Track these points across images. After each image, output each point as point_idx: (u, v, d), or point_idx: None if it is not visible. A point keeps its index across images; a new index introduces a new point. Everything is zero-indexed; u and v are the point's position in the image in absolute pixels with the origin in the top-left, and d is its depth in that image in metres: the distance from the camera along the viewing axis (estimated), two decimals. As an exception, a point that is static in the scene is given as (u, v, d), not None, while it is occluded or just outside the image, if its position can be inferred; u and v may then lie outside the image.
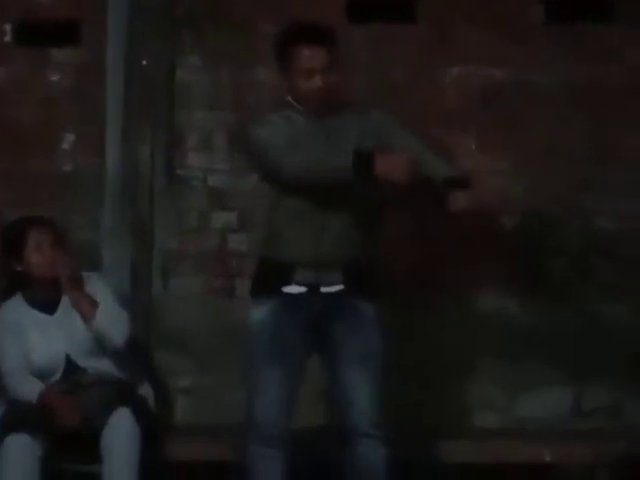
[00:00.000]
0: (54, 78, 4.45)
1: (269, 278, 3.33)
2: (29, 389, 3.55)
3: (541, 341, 4.25)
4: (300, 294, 3.29)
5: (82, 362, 3.62)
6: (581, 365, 4.23)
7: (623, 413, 4.23)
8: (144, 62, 4.33)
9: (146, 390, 3.74)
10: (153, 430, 3.59)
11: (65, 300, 3.67)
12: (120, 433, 3.47)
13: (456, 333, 4.25)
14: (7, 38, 4.46)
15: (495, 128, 4.34)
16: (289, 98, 3.33)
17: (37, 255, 3.64)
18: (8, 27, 4.45)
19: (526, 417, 4.25)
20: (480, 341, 4.27)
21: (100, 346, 3.62)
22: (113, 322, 3.62)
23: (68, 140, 4.43)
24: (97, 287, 3.69)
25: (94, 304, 3.62)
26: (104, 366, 3.64)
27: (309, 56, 3.23)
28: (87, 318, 3.61)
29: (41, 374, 3.60)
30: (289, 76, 3.28)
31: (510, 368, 4.24)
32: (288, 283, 3.30)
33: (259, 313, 3.33)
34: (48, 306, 3.68)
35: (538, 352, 4.23)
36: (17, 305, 3.69)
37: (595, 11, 4.28)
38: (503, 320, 4.27)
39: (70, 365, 3.62)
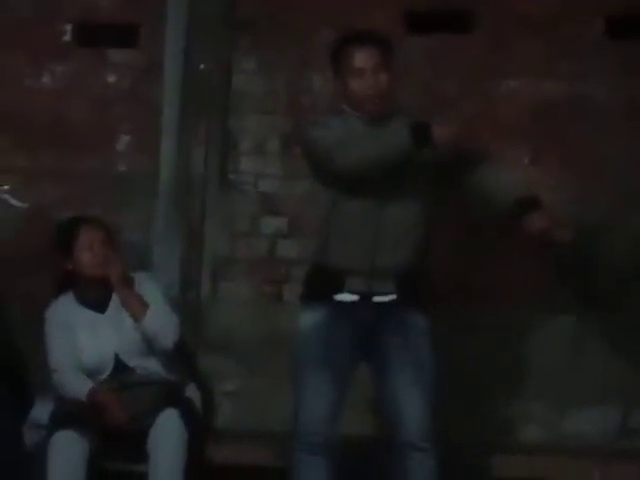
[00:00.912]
0: (111, 79, 4.50)
1: (321, 285, 3.32)
2: (78, 387, 3.57)
3: (589, 357, 4.20)
4: (352, 302, 3.28)
5: (131, 362, 3.63)
6: (629, 383, 4.17)
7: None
8: (201, 66, 4.36)
9: (193, 392, 3.75)
10: (199, 432, 3.60)
11: (115, 299, 3.69)
12: (167, 433, 3.47)
13: (504, 347, 4.21)
14: (67, 37, 4.52)
15: (548, 142, 4.32)
16: (344, 105, 3.33)
17: (88, 254, 3.66)
18: (68, 27, 4.51)
19: (572, 434, 4.20)
20: (528, 356, 4.23)
21: (149, 346, 3.64)
22: (163, 323, 3.64)
23: (123, 141, 4.48)
24: (147, 287, 3.70)
25: (144, 304, 3.64)
26: (152, 366, 3.64)
27: (360, 56, 3.25)
28: (137, 318, 3.62)
29: (90, 372, 3.62)
30: (343, 80, 3.29)
31: (557, 384, 4.19)
32: (340, 291, 3.28)
33: (309, 319, 3.32)
34: (98, 305, 3.69)
35: (586, 369, 4.18)
36: (68, 303, 3.71)
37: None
38: (551, 335, 4.23)
39: (119, 364, 3.63)
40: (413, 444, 3.24)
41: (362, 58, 3.24)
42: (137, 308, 3.63)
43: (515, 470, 3.78)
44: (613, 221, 4.27)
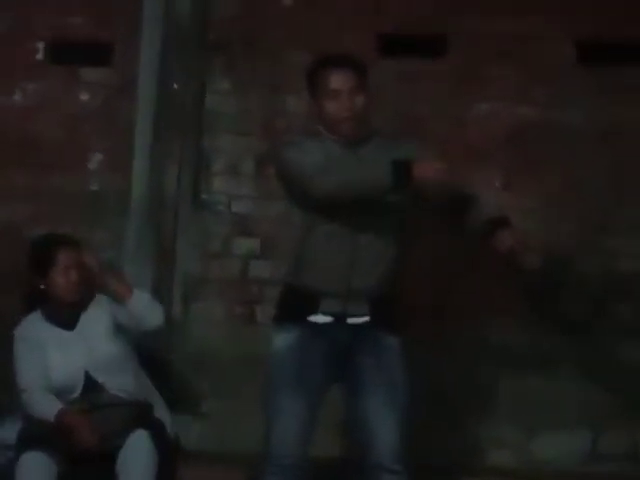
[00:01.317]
0: (84, 98, 4.49)
1: (295, 306, 3.30)
2: (47, 408, 3.50)
3: (559, 382, 4.22)
4: (326, 324, 3.27)
5: (100, 377, 3.58)
6: (599, 407, 4.20)
7: (640, 457, 4.22)
8: (175, 86, 4.36)
9: (163, 413, 3.72)
10: (169, 454, 3.56)
11: (84, 316, 3.65)
12: (137, 455, 3.42)
13: (472, 371, 4.24)
14: (39, 56, 4.51)
15: (520, 167, 4.35)
16: (320, 127, 3.34)
17: (64, 278, 3.61)
18: (41, 45, 4.50)
19: (542, 458, 4.22)
20: (497, 380, 4.25)
21: (119, 362, 3.61)
22: (148, 305, 3.59)
23: (95, 160, 4.47)
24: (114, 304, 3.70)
25: (130, 286, 3.61)
26: (122, 383, 3.60)
27: (336, 78, 3.25)
28: (124, 299, 3.56)
29: (60, 391, 3.55)
30: (319, 102, 3.29)
31: (527, 408, 4.21)
32: (314, 312, 3.27)
33: (282, 340, 3.30)
34: (67, 322, 3.64)
35: (556, 393, 4.20)
36: (37, 321, 3.66)
37: (626, 52, 4.29)
38: (520, 359, 4.25)
39: (89, 381, 3.57)
40: (385, 466, 3.22)
41: (338, 80, 3.25)
42: (123, 289, 3.58)
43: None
44: (584, 246, 4.31)
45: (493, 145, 4.36)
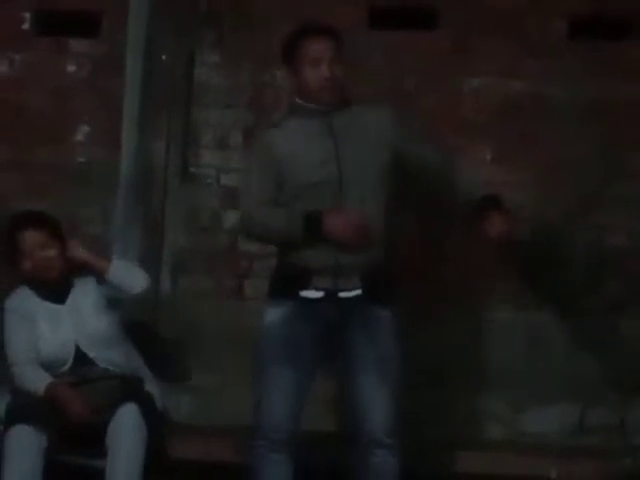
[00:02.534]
0: (71, 69, 4.44)
1: (287, 281, 3.32)
2: (36, 381, 3.51)
3: (547, 355, 4.23)
4: (317, 299, 3.27)
5: (91, 352, 3.59)
6: (587, 381, 4.21)
7: (627, 430, 4.22)
8: (163, 57, 4.31)
9: (152, 386, 3.71)
10: (158, 427, 3.57)
11: (75, 289, 3.65)
12: (126, 428, 3.44)
13: (461, 345, 4.23)
14: (26, 26, 4.44)
15: (511, 140, 4.33)
16: (298, 99, 3.35)
17: (28, 261, 3.60)
18: (28, 15, 4.43)
19: (530, 432, 4.23)
20: (486, 354, 4.25)
21: (110, 335, 3.60)
22: (127, 271, 3.60)
23: (82, 132, 4.42)
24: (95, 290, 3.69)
25: (106, 259, 3.61)
26: (113, 357, 3.60)
27: (316, 47, 3.29)
28: (103, 271, 3.57)
29: (51, 364, 3.56)
30: (298, 71, 3.31)
31: (517, 382, 4.21)
32: (306, 287, 3.28)
33: (273, 315, 3.31)
34: (57, 296, 3.64)
35: (545, 367, 4.21)
36: (27, 295, 3.65)
37: (617, 28, 4.27)
38: (509, 333, 4.25)
39: (79, 355, 3.58)
40: (377, 440, 3.25)
41: (318, 49, 3.28)
42: (101, 264, 3.58)
43: (474, 467, 3.80)
44: (574, 220, 4.30)
45: (484, 119, 4.33)
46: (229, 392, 4.14)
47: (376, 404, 3.24)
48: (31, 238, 3.60)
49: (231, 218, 4.29)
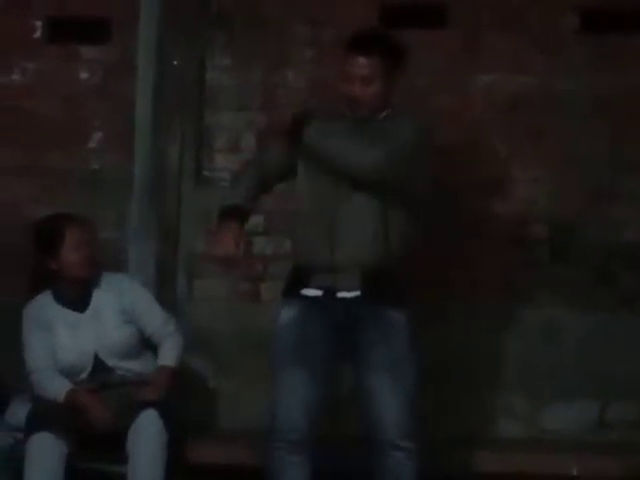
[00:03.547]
0: (84, 76, 4.44)
1: (293, 281, 3.36)
2: (56, 388, 3.53)
3: (565, 351, 4.21)
4: (318, 298, 3.29)
5: (110, 361, 3.60)
6: (606, 377, 4.19)
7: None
8: (175, 62, 4.32)
9: (170, 392, 3.72)
10: (178, 433, 3.58)
11: (96, 299, 3.65)
12: (146, 434, 3.45)
13: (481, 342, 4.22)
14: (37, 34, 4.46)
15: (523, 137, 4.32)
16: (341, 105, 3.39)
17: (75, 254, 3.61)
18: (39, 23, 4.44)
19: (550, 429, 4.21)
20: (504, 351, 4.24)
21: (129, 349, 3.61)
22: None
23: (96, 138, 4.43)
24: (138, 292, 3.70)
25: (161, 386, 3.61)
26: (131, 367, 3.62)
27: (353, 62, 3.31)
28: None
29: (69, 372, 3.58)
30: (338, 78, 3.35)
31: (535, 378, 4.20)
32: (306, 286, 3.31)
33: (283, 316, 3.34)
34: (78, 304, 3.65)
35: (563, 363, 4.20)
36: (46, 301, 3.67)
37: (629, 22, 4.25)
38: (528, 329, 4.24)
39: (98, 364, 3.60)
40: (392, 443, 3.24)
41: (354, 65, 3.31)
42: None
43: (493, 465, 3.78)
44: (588, 215, 4.28)
45: (495, 115, 4.33)
46: (246, 395, 4.14)
47: (389, 406, 3.23)
48: (81, 232, 3.64)
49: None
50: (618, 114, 4.28)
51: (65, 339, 3.61)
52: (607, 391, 4.20)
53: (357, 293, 3.27)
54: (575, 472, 3.75)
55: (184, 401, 3.81)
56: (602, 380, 4.18)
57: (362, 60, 3.30)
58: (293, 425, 3.24)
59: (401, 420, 3.24)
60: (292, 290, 3.34)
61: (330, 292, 3.28)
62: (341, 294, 3.27)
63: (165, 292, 4.24)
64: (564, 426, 4.20)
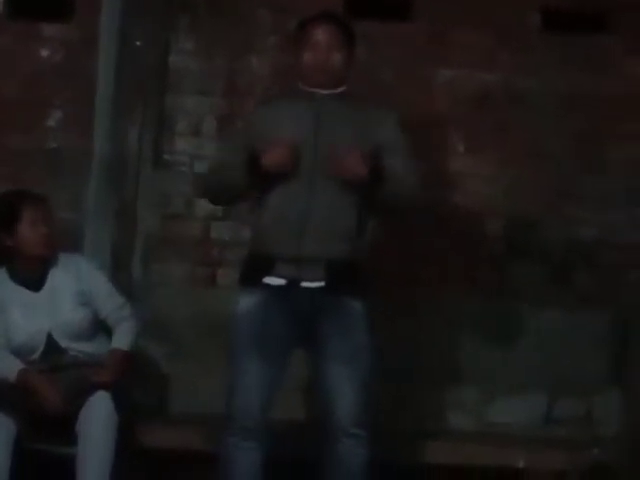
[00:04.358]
0: (44, 54, 4.39)
1: (252, 269, 3.34)
2: (8, 367, 3.49)
3: (516, 346, 4.26)
4: (281, 287, 3.28)
5: (63, 342, 3.57)
6: (555, 372, 4.25)
7: (594, 421, 4.27)
8: (137, 43, 4.28)
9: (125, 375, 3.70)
10: (130, 415, 3.56)
11: (51, 279, 3.62)
12: (97, 416, 3.42)
13: (432, 336, 4.25)
14: (-2, 11, 4.42)
15: (484, 132, 4.36)
16: (299, 83, 3.38)
17: (32, 231, 3.57)
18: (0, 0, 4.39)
19: (498, 422, 4.26)
20: (456, 345, 4.27)
21: (83, 331, 3.59)
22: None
23: (55, 117, 4.38)
24: (93, 274, 3.66)
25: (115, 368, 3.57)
26: (85, 348, 3.59)
27: (317, 31, 3.35)
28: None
29: (20, 351, 3.54)
30: (300, 55, 3.36)
31: (485, 373, 4.24)
32: (269, 274, 3.30)
33: (243, 303, 3.32)
34: (33, 283, 3.61)
35: (513, 357, 4.24)
36: (1, 280, 3.62)
37: (592, 21, 4.31)
38: (480, 324, 4.28)
39: (51, 344, 3.56)
40: (344, 430, 3.26)
41: (318, 33, 3.35)
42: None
43: (443, 457, 3.82)
44: (547, 212, 4.33)
45: (457, 111, 4.36)
46: (201, 380, 4.13)
47: (344, 393, 3.25)
48: (38, 209, 3.59)
49: (204, 206, 4.25)
50: (581, 113, 4.33)
51: (19, 318, 3.57)
52: (556, 387, 4.25)
53: (321, 284, 3.28)
54: (522, 464, 3.80)
55: (138, 385, 3.80)
56: (552, 376, 4.24)
57: (325, 27, 3.35)
58: (248, 412, 3.26)
59: (354, 408, 3.25)
60: (252, 278, 3.32)
61: (294, 282, 3.28)
62: (305, 284, 3.28)
63: (121, 275, 4.22)
64: (513, 420, 4.25)
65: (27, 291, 3.61)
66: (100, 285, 3.66)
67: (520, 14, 4.33)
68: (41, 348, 3.56)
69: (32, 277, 3.61)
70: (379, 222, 3.46)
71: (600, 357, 4.24)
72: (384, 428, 3.60)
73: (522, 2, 4.34)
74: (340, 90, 3.37)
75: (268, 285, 3.28)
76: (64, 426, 3.46)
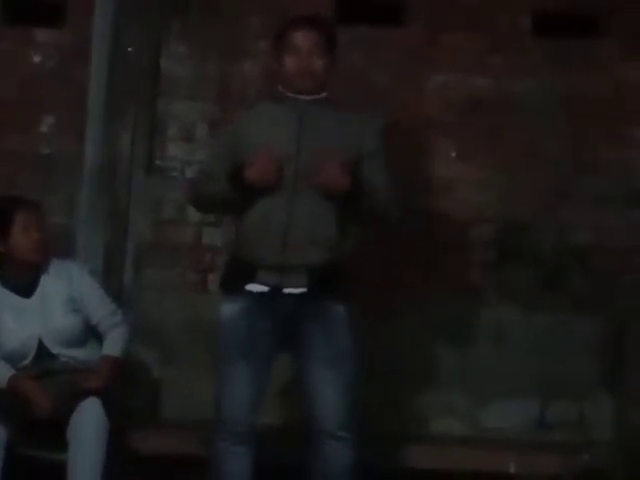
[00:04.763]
0: (37, 59, 4.41)
1: (234, 275, 3.34)
2: (-1, 373, 3.52)
3: (508, 350, 4.27)
4: (264, 293, 3.28)
5: (54, 349, 3.57)
6: (547, 377, 4.25)
7: (586, 426, 4.27)
8: (130, 49, 4.29)
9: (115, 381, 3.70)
10: (121, 420, 3.57)
11: (43, 285, 3.62)
12: (88, 422, 3.42)
13: (424, 340, 4.26)
14: (-8, 16, 4.43)
15: (476, 137, 4.36)
16: (279, 86, 3.36)
17: (25, 237, 3.57)
18: (-6, 5, 4.42)
19: (490, 426, 4.27)
20: (448, 348, 4.28)
21: (75, 338, 3.59)
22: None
23: (47, 122, 4.39)
24: (86, 283, 3.65)
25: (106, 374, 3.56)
26: (76, 355, 3.59)
27: (298, 36, 3.32)
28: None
29: (12, 357, 3.54)
30: (281, 60, 3.33)
31: (477, 377, 4.25)
32: (251, 281, 3.29)
33: (227, 309, 3.33)
34: (24, 289, 3.61)
35: (505, 362, 4.25)
36: (-8, 286, 3.63)
37: (583, 24, 4.32)
38: (472, 328, 4.29)
39: (42, 350, 3.56)
40: (329, 433, 3.26)
41: (300, 38, 3.31)
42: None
43: (433, 462, 3.82)
44: (540, 217, 4.33)
45: (450, 115, 4.36)
46: (192, 385, 4.14)
47: (328, 396, 3.25)
48: (31, 215, 3.59)
49: (196, 211, 4.29)
50: (573, 117, 4.33)
51: (10, 324, 3.57)
52: (549, 391, 4.26)
53: (303, 289, 3.28)
54: (513, 469, 3.81)
55: (129, 390, 3.80)
56: (544, 380, 4.24)
57: (306, 32, 3.32)
58: (238, 417, 3.26)
59: (340, 410, 3.26)
60: (235, 285, 3.32)
61: (276, 288, 3.28)
62: (288, 290, 3.28)
63: (113, 280, 4.23)
64: (505, 424, 4.26)
65: (18, 297, 3.61)
66: (92, 291, 3.66)
67: (512, 18, 4.34)
68: (32, 354, 3.56)
69: (24, 283, 3.61)
70: (368, 227, 3.46)
71: (593, 361, 4.24)
72: (371, 431, 3.60)
73: (514, 6, 4.34)
74: (322, 96, 3.36)
75: (251, 292, 3.29)
76: (55, 432, 3.46)
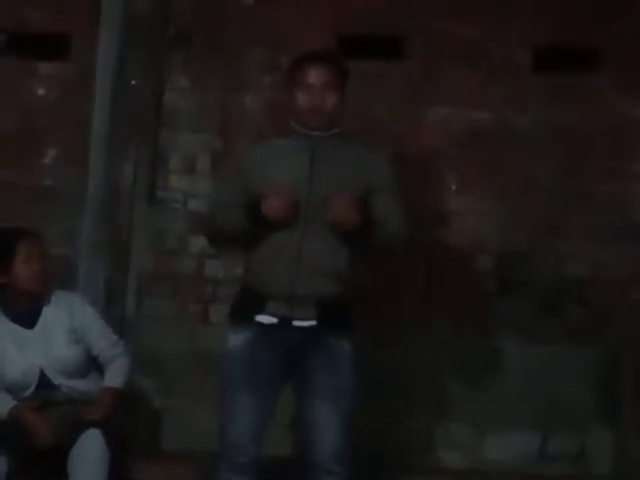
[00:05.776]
0: (40, 92, 4.44)
1: (244, 306, 3.36)
2: (0, 404, 3.49)
3: (509, 382, 4.27)
4: (273, 325, 3.30)
5: (56, 379, 3.56)
6: (548, 409, 4.25)
7: (588, 459, 4.27)
8: (133, 81, 4.33)
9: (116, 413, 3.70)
10: (122, 452, 3.56)
11: (45, 316, 3.62)
12: (89, 454, 3.41)
13: (424, 371, 4.26)
14: (-5, 48, 4.46)
15: (476, 169, 4.39)
16: (292, 122, 3.38)
17: (26, 268, 3.58)
18: (-2, 37, 4.46)
19: (491, 459, 4.26)
20: (448, 380, 4.29)
21: (77, 369, 3.60)
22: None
23: (50, 154, 4.42)
24: (88, 315, 3.65)
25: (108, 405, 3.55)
26: (78, 385, 3.59)
27: (311, 72, 3.33)
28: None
29: (13, 388, 3.53)
30: (294, 95, 3.35)
31: (477, 409, 4.25)
32: (261, 313, 3.31)
33: (235, 340, 3.34)
34: (27, 320, 3.61)
35: (505, 393, 4.25)
36: (-6, 317, 3.64)
37: (581, 59, 4.36)
38: (472, 360, 4.30)
39: (43, 381, 3.55)
40: (324, 467, 3.27)
41: (312, 75, 3.33)
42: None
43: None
44: (537, 249, 4.35)
45: (449, 148, 4.39)
46: (192, 416, 4.15)
47: (326, 432, 3.26)
48: (32, 246, 3.60)
49: (197, 243, 4.29)
50: (571, 149, 4.37)
51: (12, 355, 3.56)
52: (549, 423, 4.26)
53: (312, 322, 3.29)
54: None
55: (130, 421, 3.79)
56: (544, 412, 4.25)
57: (318, 68, 3.33)
58: (241, 448, 3.27)
59: (336, 445, 3.27)
60: (244, 315, 3.33)
61: (286, 320, 3.29)
62: (297, 323, 3.29)
63: (114, 310, 4.24)
64: (505, 457, 4.25)
65: (20, 327, 3.61)
66: (93, 323, 3.67)
67: (511, 52, 4.38)
68: (34, 385, 3.55)
69: (26, 313, 3.61)
70: (366, 258, 3.47)
71: (591, 393, 4.25)
72: (370, 462, 3.60)
73: (513, 40, 4.38)
74: (334, 131, 3.38)
75: (260, 323, 3.30)
76: (55, 464, 3.44)
